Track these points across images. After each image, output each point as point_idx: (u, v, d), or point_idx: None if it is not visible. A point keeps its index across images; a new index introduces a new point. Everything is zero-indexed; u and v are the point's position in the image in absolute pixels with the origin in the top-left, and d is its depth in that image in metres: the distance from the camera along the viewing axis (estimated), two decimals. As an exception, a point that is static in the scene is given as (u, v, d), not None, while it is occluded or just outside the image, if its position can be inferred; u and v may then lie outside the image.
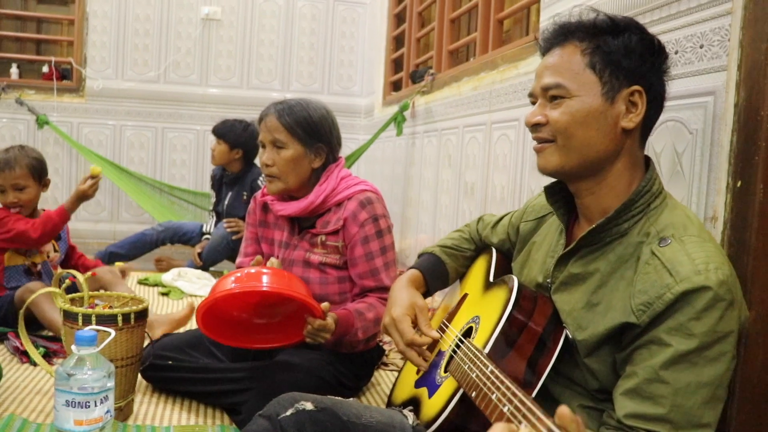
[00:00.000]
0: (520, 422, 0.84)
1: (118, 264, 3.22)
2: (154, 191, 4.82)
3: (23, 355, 2.21)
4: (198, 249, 3.95)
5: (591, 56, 1.12)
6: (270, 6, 5.08)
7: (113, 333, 1.57)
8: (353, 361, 1.94)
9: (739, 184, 1.25)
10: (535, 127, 1.17)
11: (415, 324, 1.39)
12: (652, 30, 1.50)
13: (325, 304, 1.68)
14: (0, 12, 5.01)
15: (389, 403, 1.50)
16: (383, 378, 2.25)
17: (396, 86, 4.58)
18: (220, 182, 4.11)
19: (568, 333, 1.15)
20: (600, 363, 1.12)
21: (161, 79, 4.95)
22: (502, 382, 0.97)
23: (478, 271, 1.51)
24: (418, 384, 1.37)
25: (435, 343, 1.37)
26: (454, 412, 1.15)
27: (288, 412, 1.22)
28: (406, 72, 4.25)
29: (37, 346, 2.16)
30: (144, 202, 4.70)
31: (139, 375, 1.91)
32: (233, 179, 4.00)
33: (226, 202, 4.02)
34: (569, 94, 1.13)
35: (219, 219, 4.08)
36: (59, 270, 2.23)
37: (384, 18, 4.75)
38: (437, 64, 3.67)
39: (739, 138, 1.26)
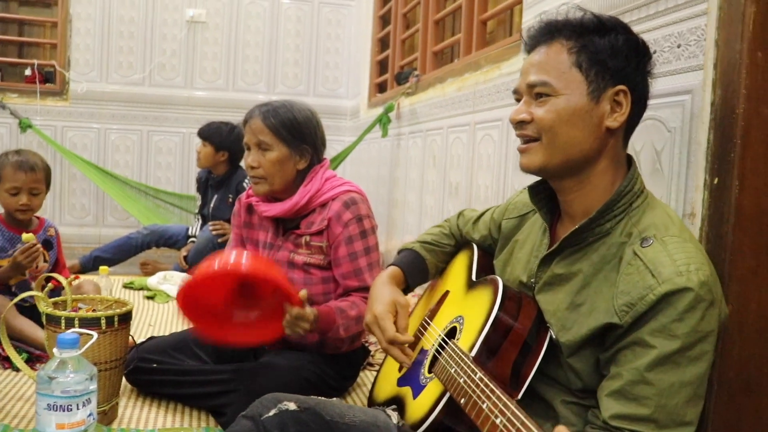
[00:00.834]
0: None
1: (103, 268, 3.20)
2: (140, 195, 4.80)
3: (5, 361, 2.20)
4: (184, 252, 3.94)
5: (577, 55, 1.13)
6: (255, 8, 5.07)
7: (95, 335, 1.56)
8: (338, 361, 1.95)
9: (716, 181, 1.27)
10: (519, 124, 1.17)
11: (396, 321, 1.39)
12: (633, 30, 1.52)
13: (302, 292, 1.65)
14: (-18, 15, 4.97)
15: (371, 401, 1.50)
16: (369, 378, 2.25)
17: (381, 88, 4.59)
18: (205, 185, 4.10)
19: (552, 333, 1.16)
20: (583, 363, 1.13)
21: (146, 82, 4.93)
22: (492, 392, 0.98)
23: (459, 267, 1.51)
24: (401, 382, 1.37)
25: (417, 340, 1.38)
26: (441, 415, 1.15)
27: (271, 413, 1.22)
28: (391, 73, 4.26)
29: (19, 352, 2.15)
30: (129, 205, 4.68)
31: (124, 378, 1.91)
32: (219, 182, 3.99)
33: (211, 205, 4.01)
34: (555, 92, 1.13)
35: (205, 222, 4.06)
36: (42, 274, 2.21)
37: (369, 20, 4.76)
38: (422, 66, 3.69)
39: (716, 136, 1.28)
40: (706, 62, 1.32)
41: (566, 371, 1.15)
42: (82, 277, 2.79)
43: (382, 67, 4.62)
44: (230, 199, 3.91)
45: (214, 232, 3.86)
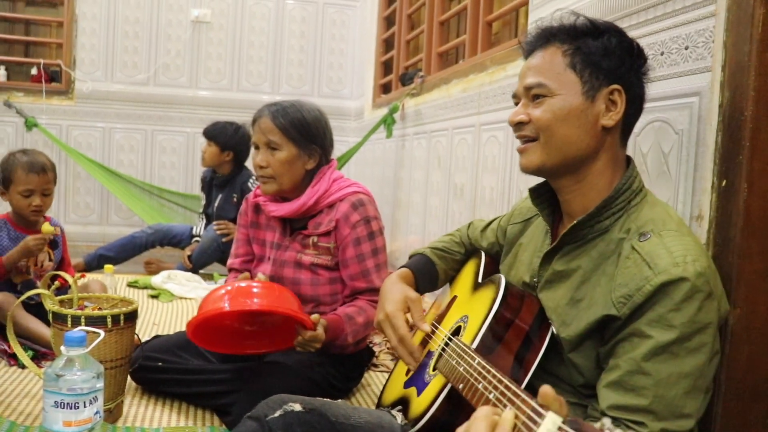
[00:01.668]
0: (505, 406, 0.85)
1: (108, 267, 3.21)
2: (144, 194, 4.81)
3: (11, 358, 2.20)
4: (188, 251, 3.94)
5: (572, 57, 1.16)
6: (260, 8, 5.08)
7: (102, 334, 1.57)
8: (343, 362, 1.95)
9: (723, 183, 1.27)
10: (518, 125, 1.20)
11: (408, 320, 1.40)
12: (638, 32, 1.53)
13: (315, 316, 1.69)
14: (-12, 14, 4.99)
15: (379, 404, 1.50)
16: (373, 379, 2.25)
17: (386, 88, 4.59)
18: (210, 184, 4.10)
19: (554, 329, 1.17)
20: (584, 358, 1.14)
21: (151, 82, 4.94)
22: (488, 372, 0.99)
23: (467, 274, 1.52)
24: (407, 384, 1.38)
25: (425, 342, 1.38)
26: (442, 408, 1.16)
27: (276, 414, 1.23)
28: (396, 74, 4.27)
29: (25, 349, 2.15)
30: (133, 204, 4.69)
31: (129, 377, 1.91)
32: (223, 181, 3.99)
33: (216, 205, 4.02)
34: (551, 93, 1.16)
35: (209, 221, 4.07)
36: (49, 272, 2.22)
37: (374, 20, 4.76)
38: (426, 67, 3.69)
39: (724, 138, 1.28)
40: (714, 64, 1.32)
41: (568, 368, 1.16)
42: (89, 276, 2.79)
43: (386, 67, 4.63)
44: (235, 199, 3.91)
45: (218, 232, 3.86)
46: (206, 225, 4.07)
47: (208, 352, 1.98)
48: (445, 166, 3.22)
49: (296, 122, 1.89)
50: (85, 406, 1.37)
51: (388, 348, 2.50)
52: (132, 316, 1.79)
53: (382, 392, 1.55)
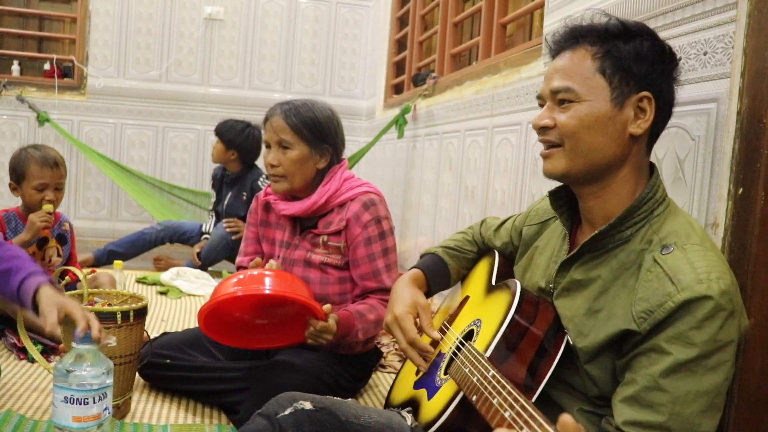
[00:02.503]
0: (521, 428, 0.84)
1: (117, 262, 3.21)
2: (154, 190, 4.82)
3: (21, 352, 2.21)
4: (197, 248, 3.95)
5: (601, 61, 1.12)
6: (273, 6, 5.09)
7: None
8: (351, 362, 1.94)
9: (740, 191, 1.26)
10: (542, 129, 1.17)
11: (417, 323, 1.39)
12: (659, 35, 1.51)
13: (327, 306, 1.68)
14: (2, 9, 5.01)
15: (387, 404, 1.50)
16: (381, 380, 2.24)
17: (398, 89, 4.59)
18: (220, 182, 4.11)
19: (569, 339, 1.15)
20: (600, 370, 1.12)
21: (163, 78, 4.95)
22: (503, 387, 0.98)
23: (480, 273, 1.51)
24: (417, 385, 1.37)
25: (436, 343, 1.37)
26: (454, 415, 1.15)
27: (287, 412, 1.22)
28: (408, 75, 4.26)
29: (35, 343, 2.16)
30: (144, 200, 4.70)
31: (137, 373, 1.91)
32: (234, 179, 4.00)
33: (225, 202, 4.03)
34: (578, 99, 1.12)
35: (218, 219, 4.08)
36: (59, 267, 2.22)
37: (387, 20, 4.75)
38: (439, 68, 3.68)
39: (742, 145, 1.27)
40: (733, 70, 1.31)
41: (583, 378, 1.14)
42: (98, 271, 2.79)
43: (398, 68, 4.62)
44: (244, 197, 3.92)
45: (227, 230, 3.87)
46: (216, 222, 4.08)
47: (217, 350, 1.98)
48: (456, 167, 3.22)
49: (308, 121, 1.89)
50: (94, 402, 1.38)
51: (396, 349, 2.49)
52: (141, 313, 1.80)
53: (390, 391, 1.55)
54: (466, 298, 1.47)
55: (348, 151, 4.21)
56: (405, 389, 1.43)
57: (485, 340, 1.18)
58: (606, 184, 1.15)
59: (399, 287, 1.48)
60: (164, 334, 2.12)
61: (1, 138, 4.70)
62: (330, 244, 1.91)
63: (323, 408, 1.24)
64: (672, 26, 1.52)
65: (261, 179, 3.88)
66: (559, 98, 1.15)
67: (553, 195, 1.27)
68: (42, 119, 4.63)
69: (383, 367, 2.35)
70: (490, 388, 1.01)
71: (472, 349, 1.17)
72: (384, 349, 2.45)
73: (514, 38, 3.14)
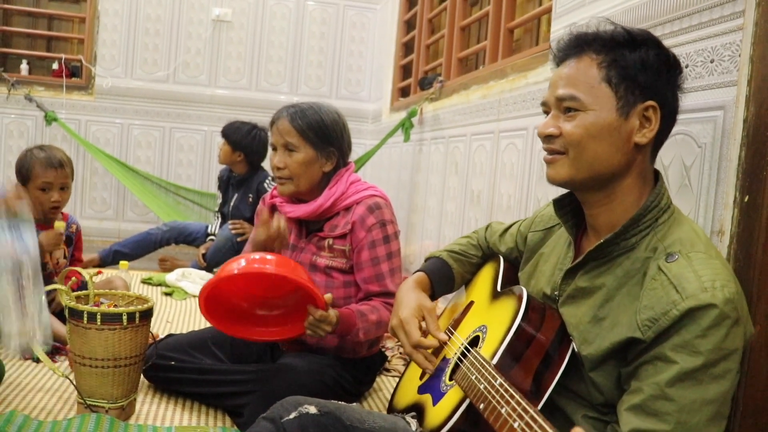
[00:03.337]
0: None
1: (123, 263, 3.23)
2: (160, 191, 4.84)
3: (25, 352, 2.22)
4: (202, 250, 3.96)
5: (607, 70, 1.12)
6: (280, 9, 5.10)
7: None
8: (356, 366, 1.95)
9: (746, 198, 1.26)
10: (547, 138, 1.17)
11: (421, 326, 1.39)
12: (664, 44, 1.51)
13: (328, 296, 1.68)
14: (11, 8, 5.04)
15: (391, 408, 1.50)
16: (385, 384, 2.25)
17: (404, 92, 4.59)
18: (227, 183, 4.12)
19: (574, 346, 1.15)
20: (605, 377, 1.12)
21: (170, 79, 4.97)
22: (512, 396, 0.98)
23: (484, 278, 1.51)
24: (421, 390, 1.37)
25: (441, 348, 1.37)
26: (460, 422, 1.15)
27: (291, 415, 1.23)
28: (415, 78, 4.26)
29: (40, 343, 2.17)
30: (149, 201, 4.71)
31: (142, 375, 1.92)
32: (240, 181, 4.01)
33: (231, 204, 4.03)
34: (584, 108, 1.12)
35: (224, 220, 4.09)
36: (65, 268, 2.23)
37: (394, 24, 4.76)
38: (446, 72, 3.68)
39: (748, 153, 1.26)
40: (740, 78, 1.31)
41: (588, 385, 1.14)
42: (111, 273, 2.79)
43: (405, 71, 4.62)
44: (251, 199, 3.92)
45: (233, 231, 3.88)
46: (221, 224, 4.09)
47: (221, 353, 1.99)
48: (462, 171, 3.22)
49: (314, 124, 1.90)
50: None
51: (400, 353, 2.50)
52: (147, 314, 1.80)
53: (393, 395, 1.54)
54: (471, 303, 1.47)
55: (354, 154, 4.22)
56: (409, 394, 1.43)
57: (491, 347, 1.18)
58: (610, 193, 1.15)
59: (404, 291, 1.48)
60: (169, 335, 2.13)
61: (9, 137, 4.72)
62: (335, 248, 1.92)
63: (328, 412, 1.24)
64: (679, 34, 1.52)
65: (267, 181, 3.89)
66: (565, 106, 1.14)
67: (558, 203, 1.27)
68: (50, 119, 4.66)
69: (388, 371, 2.35)
70: (498, 396, 1.01)
71: (478, 356, 1.17)
72: (388, 353, 2.46)
73: (521, 43, 3.15)
